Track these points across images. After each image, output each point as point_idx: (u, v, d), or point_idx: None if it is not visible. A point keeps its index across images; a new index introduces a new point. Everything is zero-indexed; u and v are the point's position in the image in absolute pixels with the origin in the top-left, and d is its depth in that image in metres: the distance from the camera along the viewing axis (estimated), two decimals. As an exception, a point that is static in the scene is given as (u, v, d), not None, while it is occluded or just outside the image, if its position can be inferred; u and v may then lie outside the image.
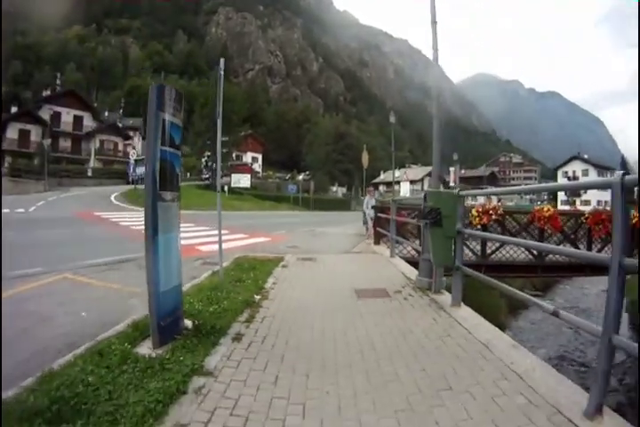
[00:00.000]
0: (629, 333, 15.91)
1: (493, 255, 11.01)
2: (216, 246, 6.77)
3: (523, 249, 10.97)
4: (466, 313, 4.81)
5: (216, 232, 6.80)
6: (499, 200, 49.65)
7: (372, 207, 13.42)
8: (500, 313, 16.95)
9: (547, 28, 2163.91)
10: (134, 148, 50.07)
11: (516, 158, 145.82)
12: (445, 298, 5.42)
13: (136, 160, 36.31)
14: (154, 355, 3.41)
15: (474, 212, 10.73)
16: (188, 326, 4.07)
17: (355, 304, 5.53)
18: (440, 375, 3.22)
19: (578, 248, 11.09)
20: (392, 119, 21.85)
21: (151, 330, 3.64)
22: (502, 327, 9.90)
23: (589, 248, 11.59)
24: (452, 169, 36.16)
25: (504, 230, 11.00)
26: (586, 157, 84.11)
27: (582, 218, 11.77)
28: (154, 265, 3.66)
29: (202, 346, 3.70)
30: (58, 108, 55.27)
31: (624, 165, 79.85)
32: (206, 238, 12.13)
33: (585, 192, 65.56)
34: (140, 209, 24.23)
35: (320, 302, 5.59)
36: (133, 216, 19.72)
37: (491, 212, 10.64)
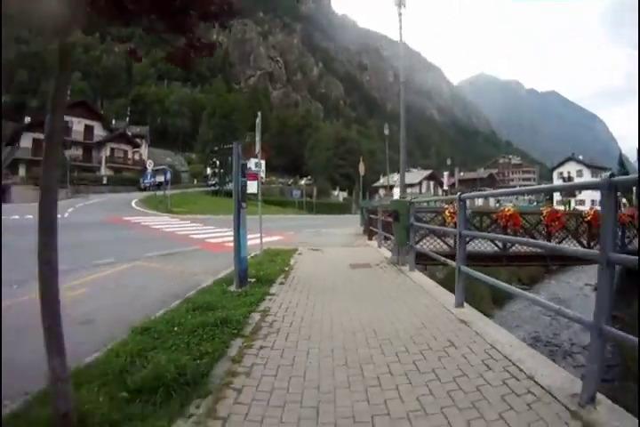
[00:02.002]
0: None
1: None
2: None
3: (489, 243, 13.31)
4: (416, 274, 7.69)
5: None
6: (497, 202, 51.79)
7: (369, 210, 16.16)
8: (485, 303, 18.11)
9: (546, 28, 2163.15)
10: (149, 158, 52.69)
11: (515, 160, 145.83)
12: (406, 268, 8.28)
13: (155, 170, 38.99)
14: (239, 290, 6.18)
15: (446, 213, 12.85)
16: (250, 280, 6.91)
17: (348, 271, 8.55)
18: (392, 294, 6.19)
19: (535, 239, 13.37)
20: (386, 131, 24.36)
21: (235, 278, 6.50)
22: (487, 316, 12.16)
23: (549, 241, 13.92)
24: (445, 173, 38.62)
25: (474, 227, 13.45)
26: (581, 157, 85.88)
27: (541, 216, 14.09)
28: (239, 244, 6.75)
29: (264, 286, 6.58)
30: (69, 118, 57.07)
31: (622, 163, 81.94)
32: (229, 238, 14.75)
33: (580, 193, 67.30)
34: (161, 214, 26.95)
35: (326, 271, 8.56)
36: (160, 220, 22.18)
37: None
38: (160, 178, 36.77)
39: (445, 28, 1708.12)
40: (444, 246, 12.89)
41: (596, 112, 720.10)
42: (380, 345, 3.94)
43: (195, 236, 15.99)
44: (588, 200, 66.59)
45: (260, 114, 9.74)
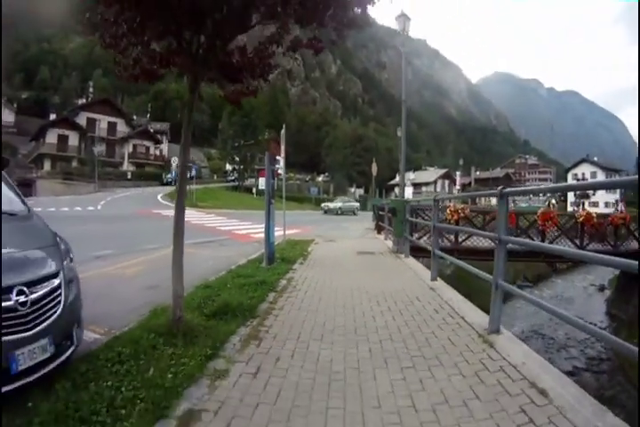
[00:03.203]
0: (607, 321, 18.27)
1: (463, 243, 14.95)
2: (262, 235, 11.14)
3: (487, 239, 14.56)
4: (410, 260, 9.42)
5: (259, 225, 11.44)
6: (512, 202, 52.28)
7: (378, 207, 17.80)
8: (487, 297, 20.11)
9: (566, 26, 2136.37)
10: (170, 154, 54.61)
11: (532, 160, 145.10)
12: (403, 255, 10.01)
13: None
14: (268, 267, 8.00)
15: (448, 211, 14.10)
16: (277, 261, 8.67)
17: (355, 256, 10.36)
18: (385, 271, 7.94)
19: (532, 239, 14.39)
20: (400, 133, 25.67)
21: (265, 258, 8.33)
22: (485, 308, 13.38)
23: (543, 240, 15.23)
24: (457, 173, 39.95)
25: (472, 225, 14.87)
26: (595, 159, 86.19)
27: (536, 216, 15.31)
28: (269, 232, 8.54)
29: (287, 264, 8.40)
30: (93, 115, 60.16)
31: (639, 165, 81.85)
32: (252, 230, 16.63)
33: (594, 194, 67.85)
34: (187, 208, 28.58)
35: (337, 255, 10.45)
36: (188, 214, 23.70)
37: (459, 211, 14.60)
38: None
39: (464, 25, 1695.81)
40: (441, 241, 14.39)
41: (616, 112, 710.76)
42: (368, 298, 5.76)
43: (222, 228, 17.76)
44: (602, 202, 67.32)
45: (284, 126, 11.58)
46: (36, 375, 2.72)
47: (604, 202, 67.80)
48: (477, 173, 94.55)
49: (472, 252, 13.64)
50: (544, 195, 68.58)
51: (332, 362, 3.49)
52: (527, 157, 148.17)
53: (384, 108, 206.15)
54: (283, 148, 11.98)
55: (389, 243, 12.90)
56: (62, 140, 56.17)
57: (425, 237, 13.67)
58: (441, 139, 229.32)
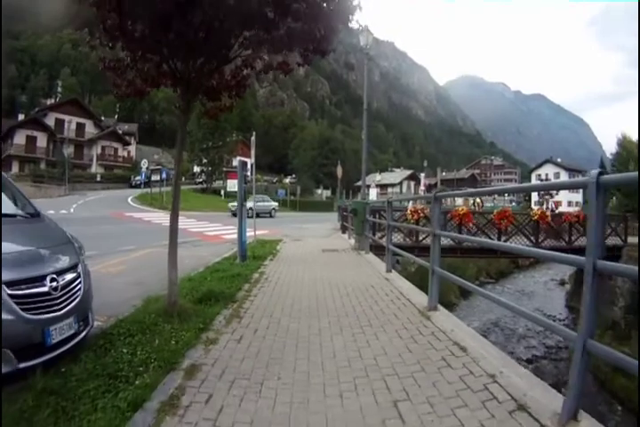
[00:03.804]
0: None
1: (423, 241, 15.87)
2: (235, 236, 11.89)
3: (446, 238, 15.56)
4: (369, 255, 10.41)
5: (229, 227, 12.20)
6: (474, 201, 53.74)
7: (342, 208, 18.71)
8: (451, 294, 19.96)
9: (533, 31, 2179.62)
10: (137, 156, 54.61)
11: (497, 161, 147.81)
12: (364, 252, 10.95)
13: (152, 169, 41.59)
14: (242, 263, 8.82)
15: (409, 211, 15.00)
16: (249, 257, 9.46)
17: (320, 253, 11.34)
18: (346, 265, 8.89)
19: (490, 238, 15.32)
20: (363, 136, 26.55)
21: (238, 255, 9.17)
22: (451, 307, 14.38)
23: (499, 237, 15.79)
24: (422, 175, 41.23)
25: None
26: (559, 160, 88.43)
27: (491, 215, 16.01)
28: (241, 231, 9.28)
29: (259, 261, 9.26)
30: (62, 116, 59.27)
31: (603, 166, 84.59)
32: (222, 231, 17.43)
33: (557, 193, 69.67)
34: (157, 210, 29.29)
35: (304, 253, 11.40)
36: (158, 216, 24.49)
37: (419, 212, 15.50)
38: (156, 177, 39.22)
39: (432, 28, 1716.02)
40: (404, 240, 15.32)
41: (582, 115, 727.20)
42: (330, 287, 6.73)
43: (192, 229, 18.40)
44: (565, 201, 69.34)
45: (254, 133, 12.41)
46: (64, 348, 3.50)
47: (567, 201, 69.66)
48: (444, 173, 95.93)
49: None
50: (508, 195, 71.16)
51: (298, 331, 4.41)
52: (493, 158, 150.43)
53: (352, 109, 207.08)
54: (253, 152, 12.77)
55: (352, 241, 13.81)
56: (31, 141, 55.37)
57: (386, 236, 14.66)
58: (408, 140, 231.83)
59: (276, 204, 36.27)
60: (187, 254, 11.22)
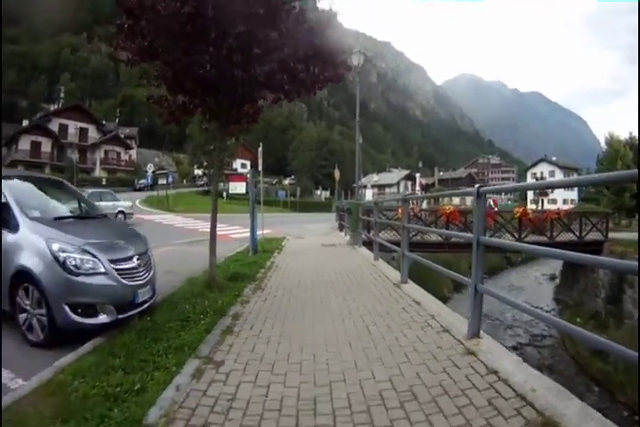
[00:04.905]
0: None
1: (413, 238, 17.18)
2: (241, 235, 13.74)
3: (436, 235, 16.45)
4: (362, 249, 12.09)
5: (234, 227, 13.80)
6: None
7: (339, 208, 20.35)
8: (444, 288, 21.63)
9: (530, 29, 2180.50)
10: (139, 159, 55.88)
11: (494, 160, 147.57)
12: (357, 246, 12.68)
13: (158, 173, 42.85)
14: (254, 255, 10.56)
15: (400, 210, 16.46)
16: (259, 251, 11.13)
17: (319, 248, 13.11)
18: (341, 256, 10.65)
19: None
20: (360, 140, 28.21)
21: (250, 249, 11.00)
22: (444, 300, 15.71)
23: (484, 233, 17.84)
24: (417, 175, 42.80)
25: (423, 222, 17.19)
26: (554, 158, 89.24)
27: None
28: (253, 228, 11.14)
29: (268, 254, 11.04)
30: (65, 122, 60.87)
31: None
32: (229, 231, 19.00)
33: (552, 192, 70.58)
34: (165, 212, 30.83)
35: (305, 247, 13.19)
36: (167, 218, 26.00)
37: (410, 211, 16.94)
38: (162, 181, 40.71)
39: (429, 27, 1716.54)
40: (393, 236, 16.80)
41: (580, 113, 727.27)
42: (327, 270, 8.53)
43: (202, 230, 19.69)
44: (560, 199, 70.53)
45: (261, 144, 14.12)
46: (145, 306, 5.25)
47: (562, 199, 70.71)
48: (441, 173, 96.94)
49: (422, 245, 15.50)
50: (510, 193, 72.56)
51: (305, 297, 6.18)
52: (490, 156, 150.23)
53: (350, 110, 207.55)
54: (260, 161, 14.42)
55: (348, 237, 15.40)
56: (35, 146, 56.31)
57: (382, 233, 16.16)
58: (406, 140, 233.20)
59: (129, 204, 25.23)
60: (204, 250, 12.72)
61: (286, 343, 4.18)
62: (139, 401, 2.99)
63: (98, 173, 62.69)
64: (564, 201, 69.24)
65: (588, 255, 2.64)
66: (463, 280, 4.29)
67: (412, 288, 6.34)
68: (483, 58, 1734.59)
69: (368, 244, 12.36)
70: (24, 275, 4.66)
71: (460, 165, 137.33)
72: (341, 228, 19.46)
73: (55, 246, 4.63)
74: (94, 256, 4.75)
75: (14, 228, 4.87)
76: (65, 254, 4.62)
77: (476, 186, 3.87)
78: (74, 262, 4.62)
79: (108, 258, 4.86)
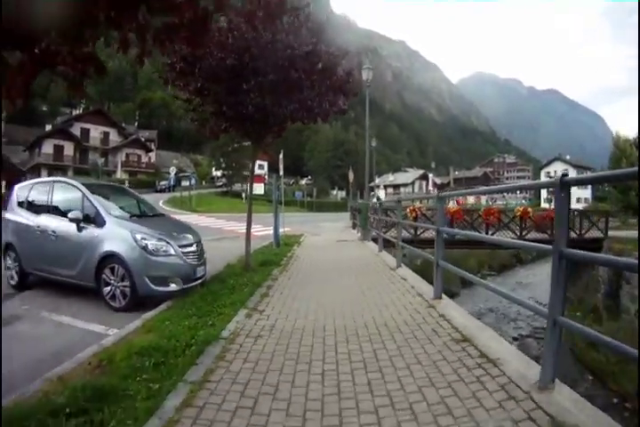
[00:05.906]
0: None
1: (421, 235, 18.21)
2: (262, 233, 15.53)
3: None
4: (370, 243, 13.78)
5: (256, 226, 15.76)
6: (491, 199, 55.03)
7: (353, 208, 21.97)
8: (453, 283, 21.18)
9: (546, 25, 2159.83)
10: (158, 161, 57.09)
11: (510, 159, 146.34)
12: (367, 241, 14.37)
13: (180, 176, 44.49)
14: (277, 248, 12.40)
15: (409, 210, 17.31)
16: (282, 245, 12.94)
17: (334, 243, 14.77)
18: (352, 249, 12.40)
19: (478, 231, 17.74)
20: (373, 143, 30.00)
21: (274, 243, 12.85)
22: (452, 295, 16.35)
23: (487, 231, 18.12)
24: (430, 175, 44.07)
25: (427, 220, 18.38)
26: (568, 157, 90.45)
27: (479, 212, 18.67)
28: (276, 226, 13.03)
29: (289, 247, 12.87)
30: (87, 126, 63.50)
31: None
32: (252, 229, 20.51)
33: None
34: (188, 213, 32.53)
35: (321, 243, 14.92)
36: (192, 217, 27.44)
37: (417, 210, 17.97)
38: (185, 182, 42.53)
39: (444, 26, 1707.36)
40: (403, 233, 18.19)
41: (597, 110, 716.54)
42: (339, 259, 10.33)
43: (226, 228, 21.72)
44: (573, 198, 70.73)
45: (282, 151, 15.83)
46: (200, 280, 7.05)
47: (575, 198, 71.09)
48: (456, 173, 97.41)
49: (427, 242, 15.09)
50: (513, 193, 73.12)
51: (320, 276, 8.03)
52: (505, 155, 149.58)
53: (364, 110, 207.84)
54: (281, 166, 16.16)
55: (359, 234, 16.93)
56: (58, 150, 58.00)
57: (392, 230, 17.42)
58: (421, 140, 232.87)
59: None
60: (232, 245, 14.41)
61: (306, 301, 5.93)
62: (212, 330, 4.67)
63: (119, 175, 64.21)
64: (578, 200, 69.08)
65: (540, 244, 3.56)
66: (429, 258, 5.93)
67: (408, 272, 7.92)
68: (498, 56, 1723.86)
69: (376, 239, 13.75)
70: (110, 258, 6.44)
71: (476, 164, 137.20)
72: (354, 226, 20.72)
73: (139, 236, 6.44)
74: (167, 243, 6.55)
75: (101, 224, 6.66)
76: (146, 241, 6.42)
77: (437, 194, 5.58)
78: (152, 247, 6.43)
79: (177, 244, 6.67)
